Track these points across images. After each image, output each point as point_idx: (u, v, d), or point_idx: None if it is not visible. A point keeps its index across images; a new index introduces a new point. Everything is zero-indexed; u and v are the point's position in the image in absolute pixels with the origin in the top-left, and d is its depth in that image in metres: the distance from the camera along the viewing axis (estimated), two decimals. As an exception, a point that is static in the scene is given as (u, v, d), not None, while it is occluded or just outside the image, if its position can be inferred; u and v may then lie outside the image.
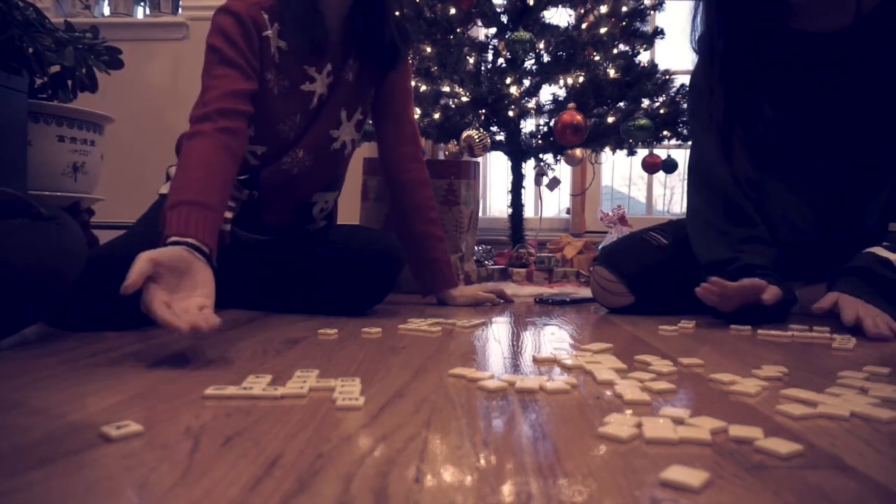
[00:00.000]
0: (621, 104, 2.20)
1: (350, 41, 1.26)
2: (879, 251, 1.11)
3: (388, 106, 1.37)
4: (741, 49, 1.24)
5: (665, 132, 2.19)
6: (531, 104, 2.18)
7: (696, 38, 1.31)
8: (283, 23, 1.16)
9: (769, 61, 1.24)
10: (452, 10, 2.17)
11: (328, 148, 1.28)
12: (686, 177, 1.40)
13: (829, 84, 1.21)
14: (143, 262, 0.79)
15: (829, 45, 1.19)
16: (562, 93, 2.19)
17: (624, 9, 2.20)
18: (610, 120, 2.14)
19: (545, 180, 2.42)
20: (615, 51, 2.18)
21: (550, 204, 3.16)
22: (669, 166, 2.28)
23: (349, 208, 2.71)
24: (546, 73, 2.16)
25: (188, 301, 0.81)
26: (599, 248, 2.26)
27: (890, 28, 1.16)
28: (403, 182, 1.39)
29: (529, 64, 2.20)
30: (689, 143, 1.44)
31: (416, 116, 2.18)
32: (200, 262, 0.87)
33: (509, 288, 1.79)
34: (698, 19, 1.27)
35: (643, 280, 1.29)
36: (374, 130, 1.42)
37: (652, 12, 2.28)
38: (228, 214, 1.25)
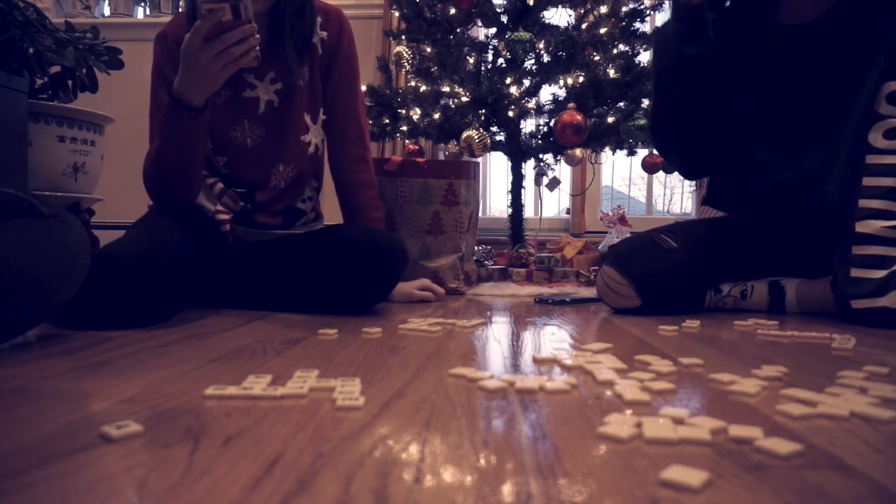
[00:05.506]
0: (621, 104, 2.19)
1: (276, 37, 1.25)
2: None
3: (334, 107, 1.38)
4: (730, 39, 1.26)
5: (665, 132, 2.18)
6: (531, 104, 2.18)
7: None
8: None
9: (752, 57, 1.26)
10: (452, 10, 2.17)
11: (306, 153, 1.33)
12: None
13: (805, 73, 1.23)
14: None
15: (808, 35, 1.22)
16: (562, 93, 2.18)
17: (624, 9, 2.19)
18: (610, 120, 2.14)
19: (545, 180, 2.42)
20: (615, 51, 2.18)
21: (550, 204, 3.16)
22: (669, 166, 2.27)
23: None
24: (546, 73, 2.15)
25: None
26: (601, 247, 2.27)
27: (865, 8, 1.17)
28: (349, 182, 1.41)
29: (529, 64, 2.19)
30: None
31: (416, 116, 2.18)
32: None
33: (509, 288, 1.79)
34: None
35: (651, 284, 1.28)
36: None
37: (652, 12, 2.28)
38: (225, 217, 1.27)
